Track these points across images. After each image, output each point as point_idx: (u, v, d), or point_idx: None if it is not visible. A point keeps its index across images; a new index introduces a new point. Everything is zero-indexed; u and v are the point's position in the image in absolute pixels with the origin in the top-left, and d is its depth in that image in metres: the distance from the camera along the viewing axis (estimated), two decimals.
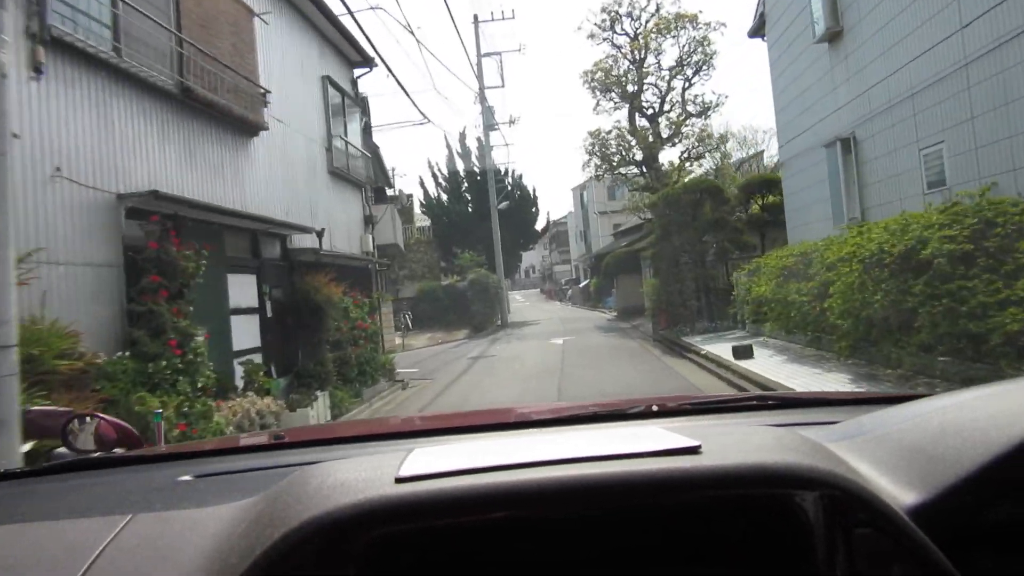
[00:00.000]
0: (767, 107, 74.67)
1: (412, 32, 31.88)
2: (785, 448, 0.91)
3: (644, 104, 31.32)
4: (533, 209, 44.55)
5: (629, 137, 31.26)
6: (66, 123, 6.54)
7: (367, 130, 22.57)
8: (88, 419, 1.92)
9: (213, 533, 0.91)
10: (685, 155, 31.65)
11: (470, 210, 40.44)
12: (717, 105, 31.28)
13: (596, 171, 32.58)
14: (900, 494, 0.87)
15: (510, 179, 41.35)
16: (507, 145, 43.84)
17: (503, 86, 42.97)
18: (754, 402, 1.93)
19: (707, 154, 31.92)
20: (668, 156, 40.90)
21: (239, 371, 8.96)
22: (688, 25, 30.31)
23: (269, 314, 10.29)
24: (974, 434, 0.91)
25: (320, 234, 11.47)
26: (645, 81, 31.15)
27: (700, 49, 30.61)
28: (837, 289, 8.79)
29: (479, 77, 32.39)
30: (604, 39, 31.59)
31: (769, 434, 1.02)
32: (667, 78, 31.08)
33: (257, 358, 9.81)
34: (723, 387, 10.65)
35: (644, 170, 31.41)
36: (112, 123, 7.17)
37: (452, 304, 31.98)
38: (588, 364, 15.59)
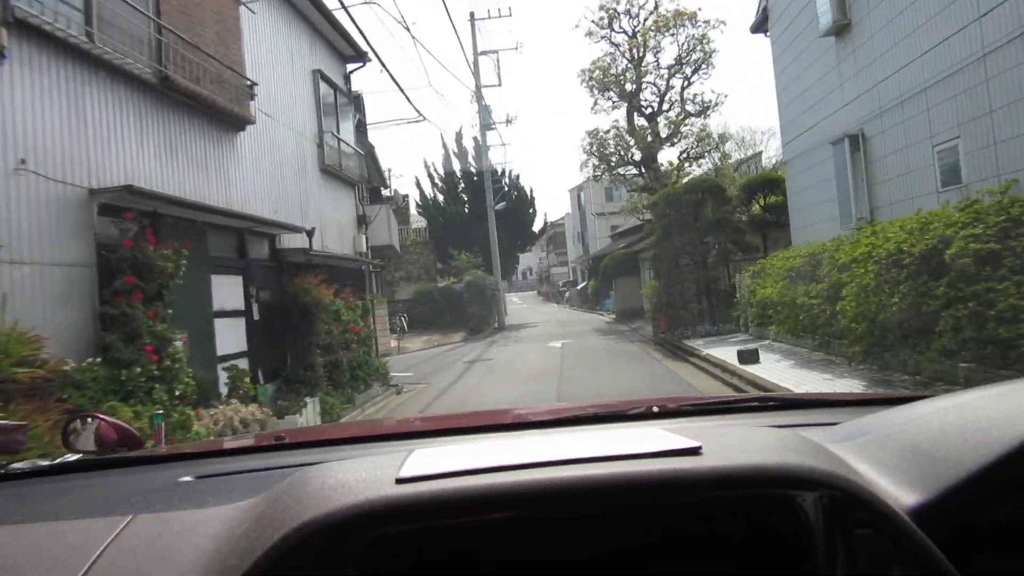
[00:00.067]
0: (766, 107, 74.46)
1: (407, 28, 31.36)
2: (786, 449, 0.91)
3: (643, 103, 30.95)
4: (530, 210, 44.10)
5: (627, 137, 30.89)
6: (32, 112, 6.10)
7: (362, 128, 22.17)
8: (89, 420, 1.90)
9: (213, 534, 0.91)
10: (684, 155, 31.29)
11: (467, 211, 40.00)
12: (716, 104, 30.93)
13: (594, 171, 32.19)
14: (901, 495, 0.87)
15: (507, 179, 40.94)
16: (504, 145, 43.52)
17: (500, 85, 42.54)
18: (755, 403, 1.92)
19: (706, 154, 31.53)
20: (667, 156, 40.70)
21: (223, 377, 8.52)
22: (687, 23, 29.94)
23: (256, 317, 9.85)
24: (975, 435, 0.91)
25: (310, 233, 11.04)
26: (644, 80, 30.78)
27: (699, 47, 30.25)
28: (850, 291, 8.38)
29: (476, 75, 31.99)
30: (602, 37, 31.24)
31: (770, 435, 1.01)
32: (666, 77, 30.73)
33: (243, 363, 9.37)
34: (728, 392, 10.25)
35: (643, 170, 31.03)
36: (84, 113, 6.74)
37: (448, 306, 31.57)
38: (587, 368, 15.19)
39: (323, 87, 13.40)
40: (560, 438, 1.13)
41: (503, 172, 40.71)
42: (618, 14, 30.93)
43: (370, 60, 15.45)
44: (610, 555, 0.84)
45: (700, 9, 31.15)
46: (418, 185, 42.30)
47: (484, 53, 33.20)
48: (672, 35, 30.41)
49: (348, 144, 14.56)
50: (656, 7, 30.13)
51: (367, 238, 15.47)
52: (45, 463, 1.70)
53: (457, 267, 33.90)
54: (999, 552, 0.86)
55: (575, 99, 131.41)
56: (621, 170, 31.80)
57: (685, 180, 23.55)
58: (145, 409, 6.24)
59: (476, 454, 0.96)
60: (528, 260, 76.08)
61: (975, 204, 7.40)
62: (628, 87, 30.89)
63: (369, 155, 22.08)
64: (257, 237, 10.31)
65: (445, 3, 66.92)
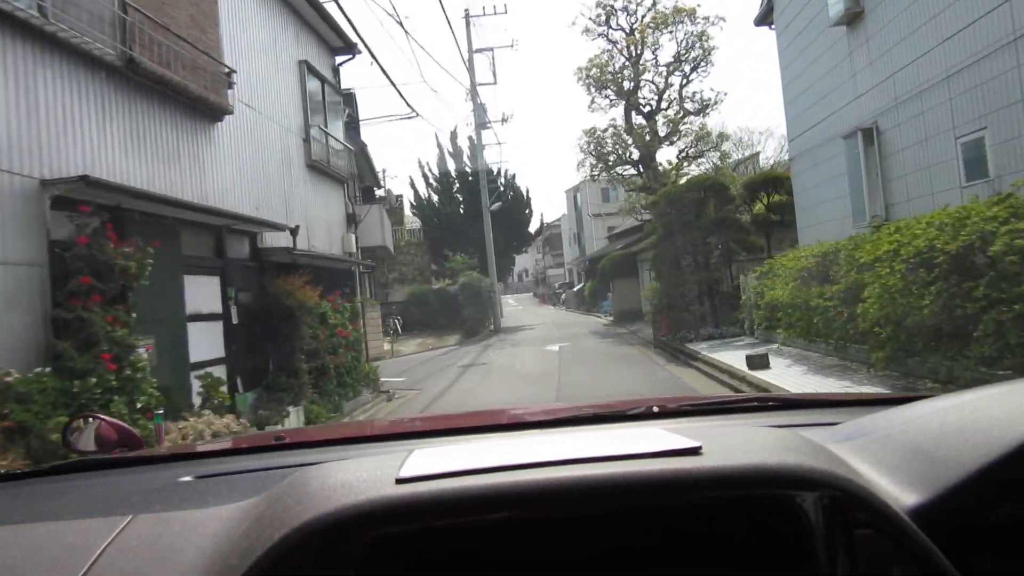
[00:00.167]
0: (765, 105, 73.99)
1: (400, 22, 30.68)
2: (786, 449, 0.91)
3: (641, 101, 30.39)
4: (526, 211, 43.48)
5: (625, 136, 30.33)
6: None
7: (355, 126, 21.54)
8: (89, 420, 1.89)
9: (213, 534, 0.91)
10: (683, 155, 30.74)
11: (462, 211, 39.39)
12: (716, 103, 30.36)
13: (591, 171, 31.63)
14: (901, 495, 0.87)
15: (503, 179, 40.32)
16: (499, 144, 42.69)
17: (495, 83, 41.93)
18: (755, 403, 1.92)
19: (705, 154, 30.96)
20: (665, 155, 40.07)
21: (196, 386, 7.87)
22: (686, 19, 29.41)
23: (235, 321, 9.20)
24: (975, 435, 0.90)
25: (294, 232, 10.40)
26: (641, 78, 30.23)
27: (698, 44, 29.74)
28: (873, 292, 7.78)
29: (471, 73, 31.37)
30: (599, 34, 30.69)
31: (770, 435, 1.01)
32: (664, 74, 30.19)
33: (220, 370, 8.73)
34: None
35: (641, 170, 30.48)
36: (36, 97, 6.09)
37: (443, 308, 30.93)
38: (587, 372, 14.60)
39: (310, 79, 12.76)
40: (560, 438, 1.13)
41: (499, 172, 40.11)
42: (615, 11, 30.38)
43: (360, 52, 14.83)
44: (610, 555, 0.83)
45: (699, 5, 30.28)
46: (412, 185, 41.56)
47: (479, 51, 32.59)
48: (670, 32, 29.90)
49: (337, 139, 13.93)
50: (654, 3, 29.59)
51: (357, 238, 14.83)
52: (46, 464, 1.72)
53: (452, 268, 33.30)
54: (999, 552, 0.86)
55: (572, 98, 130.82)
56: (619, 169, 31.24)
57: (686, 178, 22.88)
58: None
59: (476, 454, 0.96)
60: (524, 262, 75.48)
61: (1009, 198, 6.81)
62: (626, 85, 30.34)
63: (361, 153, 21.46)
64: (236, 235, 9.66)
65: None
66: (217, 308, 8.93)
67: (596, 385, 12.82)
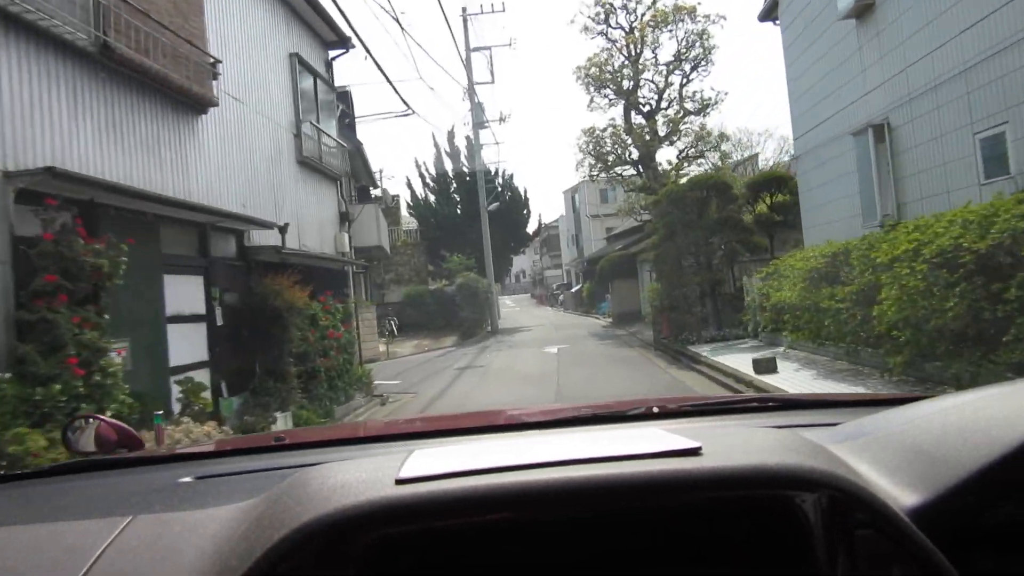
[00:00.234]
0: (765, 105, 73.63)
1: (396, 18, 30.21)
2: (786, 449, 0.91)
3: (640, 101, 30.01)
4: (524, 211, 43.06)
5: (625, 136, 29.94)
6: None
7: (350, 124, 21.13)
8: (89, 420, 1.88)
9: (213, 535, 0.91)
10: (683, 155, 30.35)
11: (459, 211, 38.94)
12: (716, 102, 29.98)
13: (590, 171, 31.23)
14: (901, 495, 0.86)
15: (500, 179, 39.90)
16: (497, 144, 42.34)
17: (493, 82, 41.45)
18: (755, 404, 1.92)
19: (705, 154, 30.57)
20: (665, 155, 39.62)
21: (176, 391, 7.44)
22: (686, 18, 29.03)
23: (220, 322, 8.78)
24: (975, 436, 0.90)
25: (283, 230, 9.97)
26: (641, 77, 29.86)
27: (699, 43, 29.37)
28: (891, 294, 7.38)
29: (468, 72, 30.95)
30: (599, 33, 30.32)
31: (770, 435, 1.01)
32: (664, 73, 29.84)
33: (203, 374, 8.31)
34: None
35: (640, 170, 30.10)
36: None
37: (440, 309, 30.52)
38: (586, 376, 14.20)
39: (301, 73, 12.34)
40: (560, 439, 1.12)
41: (496, 172, 39.69)
42: (615, 9, 30.01)
43: (354, 47, 14.41)
44: (610, 555, 0.83)
45: (700, 3, 29.86)
46: (409, 185, 41.10)
47: (477, 49, 32.18)
48: (670, 31, 29.53)
49: (330, 135, 13.50)
50: (654, 2, 29.19)
51: (350, 237, 14.40)
52: (46, 464, 1.93)
53: (449, 269, 32.88)
54: (1000, 552, 0.85)
55: (570, 98, 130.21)
56: (618, 169, 30.85)
57: (689, 177, 22.47)
58: None
59: (476, 455, 0.95)
60: (521, 263, 75.03)
61: None
62: (625, 84, 29.96)
63: (357, 152, 21.06)
64: (222, 233, 9.24)
65: None
66: (201, 309, 8.52)
67: (596, 389, 12.41)
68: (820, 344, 10.63)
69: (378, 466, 0.92)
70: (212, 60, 8.66)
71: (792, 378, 10.07)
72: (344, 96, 21.21)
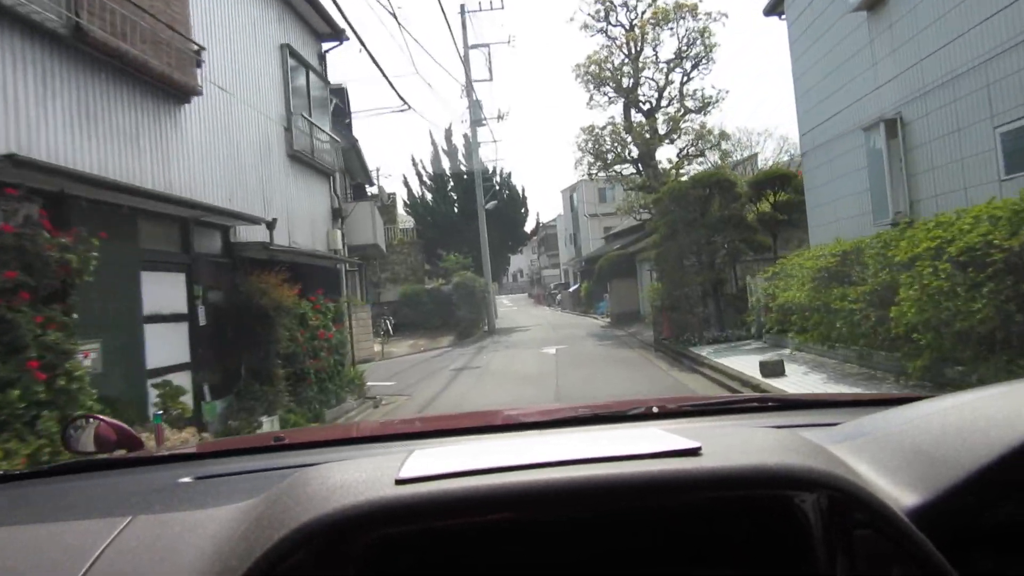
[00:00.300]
0: (764, 106, 73.31)
1: (393, 13, 29.69)
2: (785, 450, 0.91)
3: (640, 98, 29.64)
4: (522, 210, 42.69)
5: (624, 134, 29.54)
6: None
7: (346, 121, 20.70)
8: (88, 420, 1.86)
9: (213, 535, 0.91)
10: (683, 153, 29.96)
11: (456, 210, 38.55)
12: (717, 100, 29.61)
13: (589, 169, 30.83)
14: (900, 495, 0.86)
15: (498, 178, 39.50)
16: (495, 142, 41.88)
17: (491, 80, 41.14)
18: (754, 404, 1.92)
19: (706, 152, 30.16)
20: (665, 154, 39.11)
21: (153, 395, 7.02)
22: (687, 15, 28.66)
23: (203, 322, 8.35)
24: (975, 436, 0.90)
25: (271, 225, 9.54)
26: (641, 75, 29.49)
27: (700, 41, 29.00)
28: (910, 295, 6.98)
29: (466, 69, 30.52)
30: (598, 30, 29.96)
31: (769, 436, 1.00)
32: (665, 71, 29.46)
33: (184, 377, 7.89)
34: None
35: (640, 168, 29.71)
36: None
37: (436, 309, 30.08)
38: (586, 378, 13.80)
39: (293, 65, 11.92)
40: (560, 439, 1.12)
41: (494, 170, 39.32)
42: (615, 6, 29.64)
43: (348, 39, 13.97)
44: (611, 555, 0.82)
45: (701, 0, 29.36)
46: (406, 183, 40.76)
47: (475, 46, 31.76)
48: (671, 28, 29.16)
49: (322, 129, 13.07)
50: None
51: (343, 233, 13.98)
52: (45, 465, 1.95)
53: (446, 268, 32.46)
54: (1000, 552, 0.85)
55: (569, 97, 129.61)
56: (617, 168, 30.45)
57: (691, 175, 22.05)
58: (23, 447, 4.76)
59: (476, 455, 0.95)
60: (519, 262, 74.63)
61: None
62: (625, 82, 29.58)
63: (352, 149, 20.66)
64: (206, 228, 8.81)
65: None
66: (182, 308, 8.09)
67: (595, 391, 12.02)
68: (830, 346, 10.22)
69: (378, 466, 0.92)
70: (196, 47, 8.24)
71: (801, 382, 9.67)
72: (340, 93, 20.81)
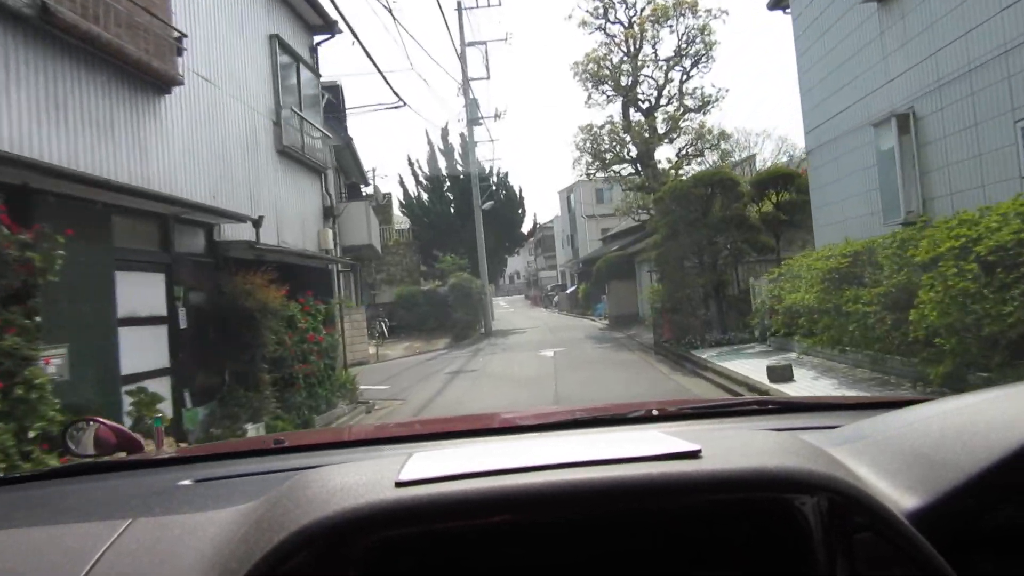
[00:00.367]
0: (763, 105, 73.03)
1: (388, 9, 29.21)
2: (785, 452, 0.91)
3: (639, 97, 29.27)
4: (519, 210, 42.21)
5: (623, 133, 29.16)
6: None
7: (340, 119, 20.27)
8: (88, 423, 1.86)
9: (212, 537, 0.91)
10: (682, 153, 29.60)
11: (452, 210, 38.08)
12: (717, 99, 29.24)
13: (587, 169, 30.44)
14: (901, 498, 0.86)
15: (495, 178, 39.06)
16: (492, 141, 41.44)
17: (488, 78, 40.68)
18: (754, 406, 1.93)
19: (705, 151, 29.78)
20: (664, 153, 38.55)
21: (127, 403, 6.59)
22: (687, 12, 28.32)
23: (184, 325, 7.92)
24: (975, 438, 0.90)
25: (257, 223, 9.10)
26: (640, 73, 29.12)
27: (700, 38, 28.65)
28: (932, 296, 6.57)
29: (463, 66, 30.09)
30: (597, 28, 29.56)
31: (769, 438, 1.01)
32: (664, 69, 29.09)
33: (163, 383, 7.46)
34: None
35: (639, 168, 29.33)
36: None
37: (432, 310, 29.63)
38: (585, 382, 13.40)
39: (282, 57, 11.49)
40: (560, 441, 1.13)
41: (491, 170, 38.89)
42: (613, 3, 29.27)
43: (340, 32, 13.54)
44: (610, 558, 0.82)
45: None
46: (402, 183, 40.15)
47: (472, 44, 31.33)
48: (671, 26, 28.81)
49: (313, 124, 12.64)
50: None
51: (335, 232, 13.55)
52: (45, 467, 1.93)
53: (442, 269, 32.04)
54: (1000, 555, 0.85)
55: (567, 96, 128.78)
56: (616, 167, 30.07)
57: (693, 174, 21.63)
58: None
59: (476, 457, 0.94)
60: (516, 264, 74.14)
61: None
62: (624, 80, 29.21)
63: (347, 147, 20.24)
64: (188, 226, 8.38)
65: None
66: (161, 310, 7.66)
67: (595, 397, 11.62)
68: (841, 350, 9.82)
69: (378, 469, 0.92)
70: (177, 34, 7.81)
71: (811, 388, 9.27)
72: (334, 90, 20.41)
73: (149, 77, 7.40)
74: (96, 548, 0.91)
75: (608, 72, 29.27)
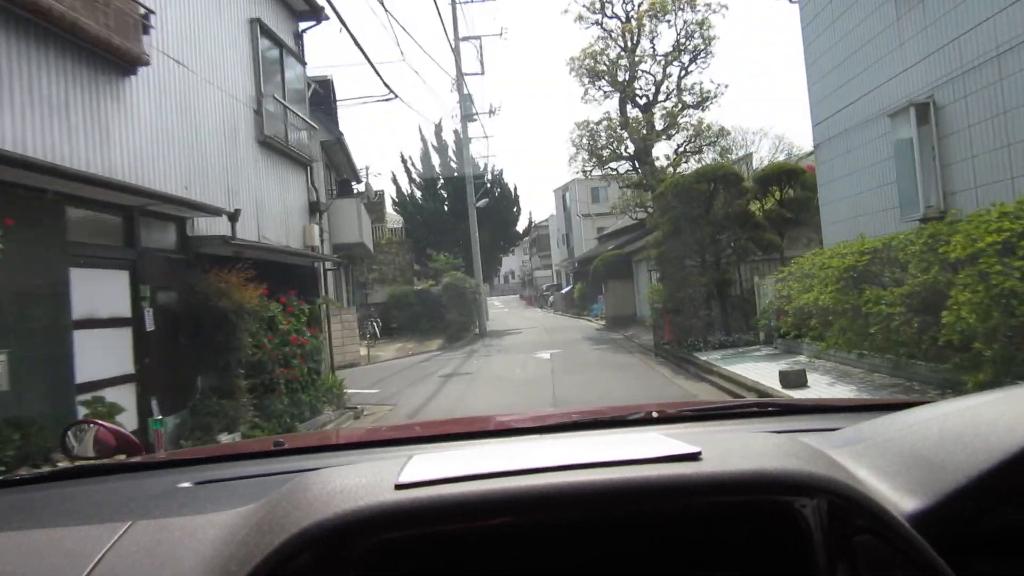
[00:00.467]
0: (758, 105, 72.63)
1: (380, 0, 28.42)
2: (785, 455, 0.91)
3: (637, 93, 28.71)
4: (514, 209, 41.57)
5: (620, 130, 28.57)
6: None
7: (331, 114, 19.64)
8: (88, 426, 1.88)
9: (212, 540, 0.91)
10: (681, 149, 29.02)
11: (446, 208, 37.45)
12: (716, 95, 28.68)
13: (584, 166, 29.86)
14: (900, 500, 0.87)
15: (489, 175, 38.42)
16: (487, 137, 40.89)
17: (483, 73, 40.02)
18: (755, 408, 1.93)
19: (704, 149, 29.21)
20: (663, 151, 37.96)
21: (81, 414, 5.94)
22: (686, 6, 27.74)
23: (150, 327, 7.26)
24: (975, 441, 0.91)
25: (233, 217, 8.45)
26: (638, 68, 28.55)
27: (698, 33, 28.08)
28: (971, 297, 5.98)
29: (457, 61, 29.43)
30: (593, 22, 28.96)
31: (769, 441, 1.00)
32: (662, 64, 28.51)
33: (126, 391, 6.82)
34: None
35: (636, 165, 28.75)
36: None
37: (426, 311, 28.96)
38: (584, 386, 12.79)
39: (264, 43, 10.85)
40: (560, 444, 1.16)
41: (485, 167, 38.24)
42: None
43: (327, 18, 12.90)
44: (610, 560, 0.82)
45: None
46: (395, 181, 39.40)
47: (466, 39, 30.65)
48: (669, 20, 28.23)
49: (298, 114, 11.99)
50: None
51: (321, 229, 12.90)
52: (45, 469, 1.88)
53: (436, 269, 31.36)
54: (1000, 556, 0.85)
55: (563, 93, 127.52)
56: (613, 165, 29.48)
57: (695, 169, 21.03)
58: None
59: (476, 459, 0.94)
60: (510, 263, 73.56)
61: None
62: (621, 76, 28.63)
63: (338, 143, 19.62)
64: (157, 220, 7.73)
65: None
66: (125, 311, 7.01)
67: (596, 403, 11.01)
68: (859, 354, 9.23)
69: (378, 471, 0.92)
70: (143, 10, 7.17)
71: (828, 394, 8.66)
72: (325, 84, 19.81)
73: (111, 56, 6.75)
74: (96, 550, 0.91)
75: (605, 67, 28.71)
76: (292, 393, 9.58)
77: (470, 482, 0.84)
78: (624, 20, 28.67)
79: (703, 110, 28.88)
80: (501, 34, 36.17)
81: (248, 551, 0.80)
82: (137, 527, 0.98)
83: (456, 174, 35.34)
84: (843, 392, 8.77)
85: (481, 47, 30.99)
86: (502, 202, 39.39)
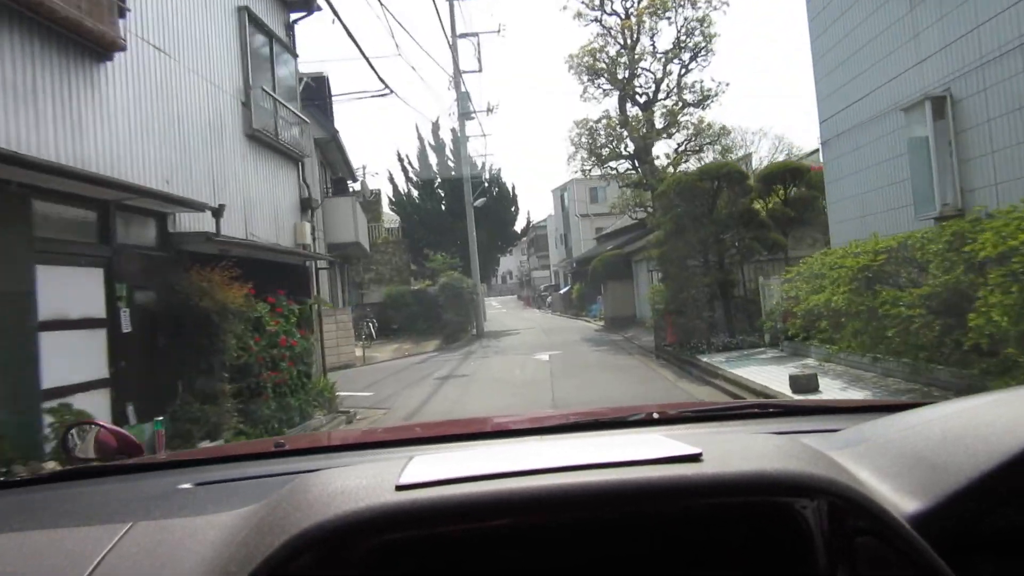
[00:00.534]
0: (758, 105, 72.31)
1: None
2: (786, 456, 0.90)
3: (637, 91, 28.32)
4: (512, 208, 41.14)
5: (620, 128, 28.17)
6: None
7: (326, 111, 19.23)
8: (88, 427, 1.90)
9: (213, 541, 0.90)
10: (681, 148, 28.63)
11: (443, 208, 37.01)
12: (717, 94, 28.30)
13: (583, 165, 29.45)
14: (901, 502, 0.86)
15: (487, 174, 37.98)
16: (484, 136, 40.37)
17: (480, 71, 39.70)
18: (755, 410, 1.92)
19: (705, 147, 28.83)
20: (663, 150, 37.58)
21: (47, 422, 5.52)
22: (686, 3, 27.34)
23: (127, 328, 6.85)
24: (975, 442, 0.90)
25: (217, 212, 8.03)
26: (638, 66, 28.15)
27: (699, 30, 27.69)
28: (1002, 299, 5.58)
29: (454, 57, 29.02)
30: (592, 19, 28.54)
31: (770, 442, 1.00)
32: (663, 62, 28.10)
33: (100, 397, 6.41)
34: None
35: (636, 164, 28.35)
36: None
37: (422, 311, 28.54)
38: (584, 388, 12.41)
39: (253, 32, 10.43)
40: (560, 445, 1.17)
41: (483, 166, 37.80)
42: None
43: (319, 8, 12.49)
44: (611, 561, 0.82)
45: None
46: (391, 180, 39.04)
47: (464, 35, 30.24)
48: (669, 17, 27.84)
49: (288, 107, 11.57)
50: None
51: (314, 226, 12.49)
52: (46, 471, 1.88)
53: (432, 269, 30.93)
54: (1001, 557, 0.85)
55: (562, 90, 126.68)
56: (613, 164, 29.07)
57: (699, 167, 20.65)
58: None
59: (476, 460, 0.94)
60: (508, 263, 73.15)
61: None
62: (620, 74, 28.23)
63: (334, 141, 19.22)
64: (136, 215, 7.31)
65: None
66: (99, 311, 6.59)
67: (597, 405, 10.60)
68: (873, 358, 8.83)
69: (378, 472, 0.91)
70: None
71: (839, 399, 8.26)
72: (320, 81, 19.43)
73: (84, 40, 6.33)
74: (97, 551, 0.91)
75: (604, 65, 28.31)
76: (280, 397, 9.17)
77: (471, 483, 0.83)
78: (624, 17, 28.29)
79: (704, 108, 28.50)
80: (499, 31, 35.76)
81: (248, 552, 0.80)
82: (138, 528, 0.98)
83: (453, 173, 34.95)
84: (857, 396, 8.36)
85: (479, 44, 30.64)
86: (500, 201, 38.97)
